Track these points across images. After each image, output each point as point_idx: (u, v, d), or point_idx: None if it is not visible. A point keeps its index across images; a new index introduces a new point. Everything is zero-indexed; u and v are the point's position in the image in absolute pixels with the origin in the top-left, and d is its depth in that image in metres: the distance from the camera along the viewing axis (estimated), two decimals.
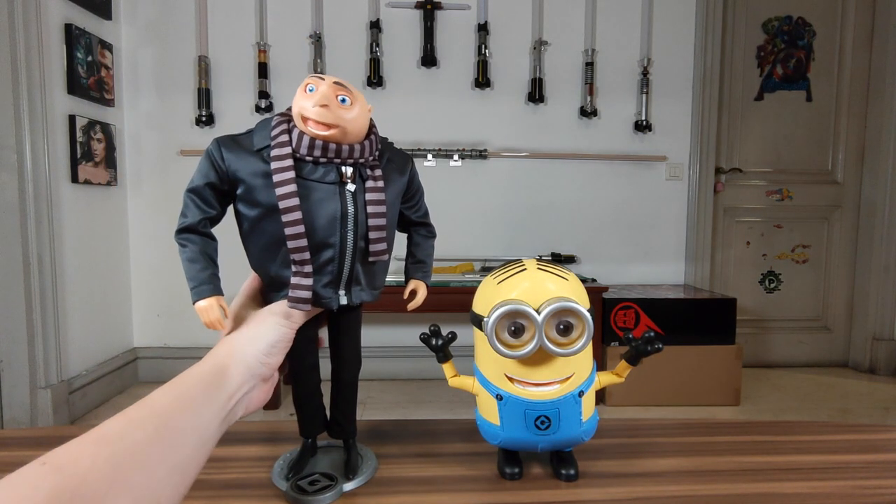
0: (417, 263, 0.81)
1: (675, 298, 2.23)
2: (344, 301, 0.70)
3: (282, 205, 0.64)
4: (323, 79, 0.66)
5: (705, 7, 2.52)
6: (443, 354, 0.65)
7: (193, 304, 0.67)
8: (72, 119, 2.02)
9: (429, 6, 2.39)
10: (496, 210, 2.53)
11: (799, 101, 2.71)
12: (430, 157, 2.43)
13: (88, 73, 2.10)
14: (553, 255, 2.52)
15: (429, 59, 2.41)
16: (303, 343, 0.73)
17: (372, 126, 0.70)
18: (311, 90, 0.65)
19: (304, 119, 0.64)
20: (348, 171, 0.67)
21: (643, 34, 2.52)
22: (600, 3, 2.49)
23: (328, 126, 0.65)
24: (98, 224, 2.22)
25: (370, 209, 0.68)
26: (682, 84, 2.57)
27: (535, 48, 2.46)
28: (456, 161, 2.45)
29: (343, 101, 0.65)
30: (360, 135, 0.68)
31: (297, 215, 0.64)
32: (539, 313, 0.56)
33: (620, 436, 0.74)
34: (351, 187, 0.67)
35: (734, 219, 2.74)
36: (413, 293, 0.80)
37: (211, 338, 2.80)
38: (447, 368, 0.66)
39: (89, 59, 2.10)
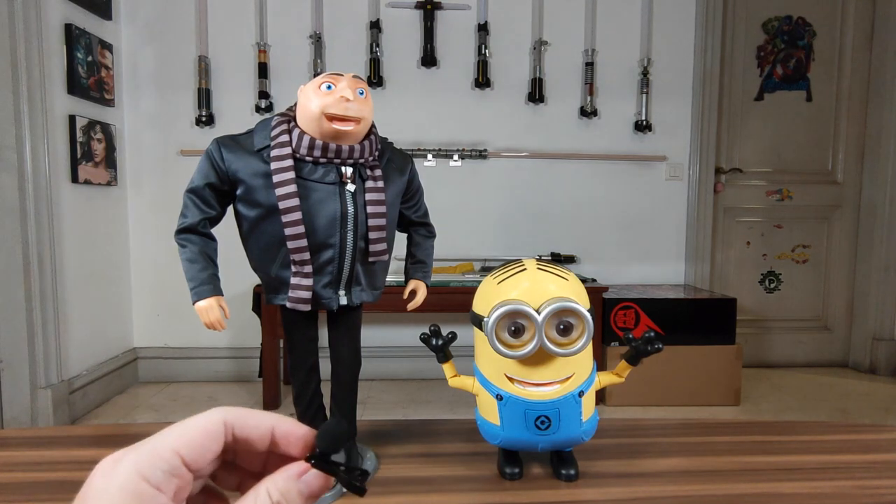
0: (417, 263, 0.81)
1: (675, 298, 2.23)
2: (344, 301, 0.70)
3: (282, 205, 0.64)
4: (341, 74, 0.66)
5: (705, 7, 2.52)
6: (443, 354, 0.65)
7: (193, 304, 0.67)
8: (72, 119, 2.02)
9: (429, 6, 2.39)
10: (496, 210, 2.53)
11: (799, 101, 2.71)
12: (430, 157, 2.43)
13: (88, 73, 2.10)
14: (553, 255, 2.52)
15: (429, 59, 2.41)
16: (303, 343, 0.73)
17: (372, 126, 0.70)
18: (328, 88, 0.65)
19: (330, 117, 0.64)
20: (348, 171, 0.67)
21: (643, 34, 2.52)
22: (600, 3, 2.49)
23: (354, 120, 0.65)
24: (98, 224, 2.22)
25: (370, 209, 0.68)
26: (682, 84, 2.56)
27: (535, 48, 2.46)
28: (456, 161, 2.45)
29: (361, 93, 0.66)
30: (363, 132, 0.68)
31: (297, 216, 0.65)
32: (539, 313, 0.56)
33: (620, 436, 0.74)
34: (351, 187, 0.67)
35: (734, 219, 2.74)
36: (413, 293, 0.80)
37: (211, 338, 2.80)
38: (447, 368, 0.66)
39: (89, 59, 2.10)
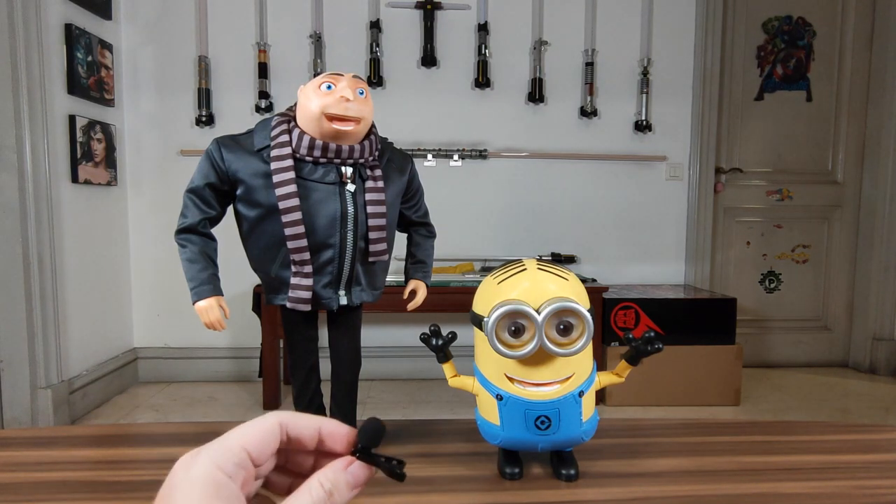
0: (417, 263, 0.81)
1: (675, 298, 2.23)
2: (344, 301, 0.70)
3: (282, 205, 0.64)
4: (341, 74, 0.66)
5: (705, 7, 2.52)
6: (443, 354, 0.65)
7: (193, 304, 0.67)
8: (72, 119, 2.02)
9: (429, 6, 2.39)
10: (496, 210, 2.53)
11: (799, 101, 2.71)
12: (430, 157, 2.43)
13: (88, 73, 2.10)
14: (553, 255, 2.52)
15: (429, 59, 2.41)
16: (303, 343, 0.73)
17: (372, 126, 0.70)
18: (328, 88, 0.65)
19: (330, 117, 0.64)
20: (348, 171, 0.67)
21: (643, 34, 2.52)
22: (600, 3, 2.49)
23: (354, 120, 0.65)
24: (98, 224, 2.22)
25: (370, 209, 0.68)
26: (682, 84, 2.56)
27: (535, 48, 2.46)
28: (456, 161, 2.45)
29: (361, 93, 0.66)
30: (363, 132, 0.68)
31: (297, 216, 0.65)
32: (539, 313, 0.56)
33: (620, 436, 0.74)
34: (351, 187, 0.67)
35: (734, 219, 2.74)
36: (413, 293, 0.80)
37: (211, 338, 2.80)
38: (447, 368, 0.66)
39: (89, 59, 2.10)
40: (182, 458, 0.26)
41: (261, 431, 0.27)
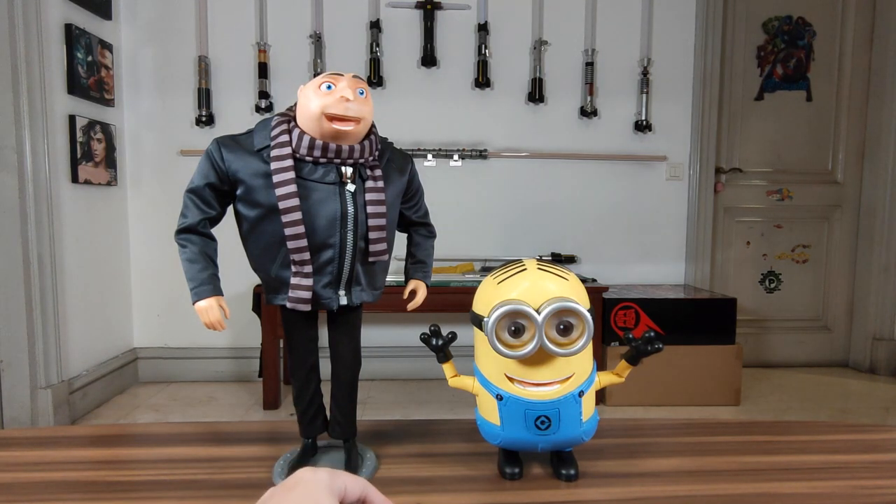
0: (417, 263, 0.81)
1: (675, 298, 2.23)
2: (344, 301, 0.70)
3: (282, 205, 0.64)
4: (341, 74, 0.66)
5: (705, 7, 2.52)
6: (443, 354, 0.65)
7: (193, 304, 0.67)
8: (72, 119, 2.02)
9: (429, 6, 2.39)
10: (496, 210, 2.53)
11: (799, 101, 2.71)
12: (430, 157, 2.43)
13: (88, 73, 2.10)
14: (553, 255, 2.52)
15: (429, 59, 2.41)
16: (303, 343, 0.73)
17: (372, 126, 0.70)
18: (328, 88, 0.65)
19: (330, 117, 0.63)
20: (348, 171, 0.67)
21: (643, 34, 2.52)
22: (600, 3, 2.49)
23: (354, 120, 0.65)
24: (98, 224, 2.22)
25: (370, 209, 0.68)
26: (682, 84, 2.56)
27: (535, 48, 2.46)
28: (456, 161, 2.45)
29: (361, 93, 0.66)
30: (363, 132, 0.68)
31: (297, 216, 0.65)
32: (539, 313, 0.56)
33: (620, 436, 0.74)
34: (351, 187, 0.67)
35: (734, 219, 2.74)
36: (413, 293, 0.80)
37: (211, 338, 2.79)
38: (447, 368, 0.66)
39: (89, 59, 2.10)
40: (304, 468, 0.36)
41: (354, 481, 0.38)
